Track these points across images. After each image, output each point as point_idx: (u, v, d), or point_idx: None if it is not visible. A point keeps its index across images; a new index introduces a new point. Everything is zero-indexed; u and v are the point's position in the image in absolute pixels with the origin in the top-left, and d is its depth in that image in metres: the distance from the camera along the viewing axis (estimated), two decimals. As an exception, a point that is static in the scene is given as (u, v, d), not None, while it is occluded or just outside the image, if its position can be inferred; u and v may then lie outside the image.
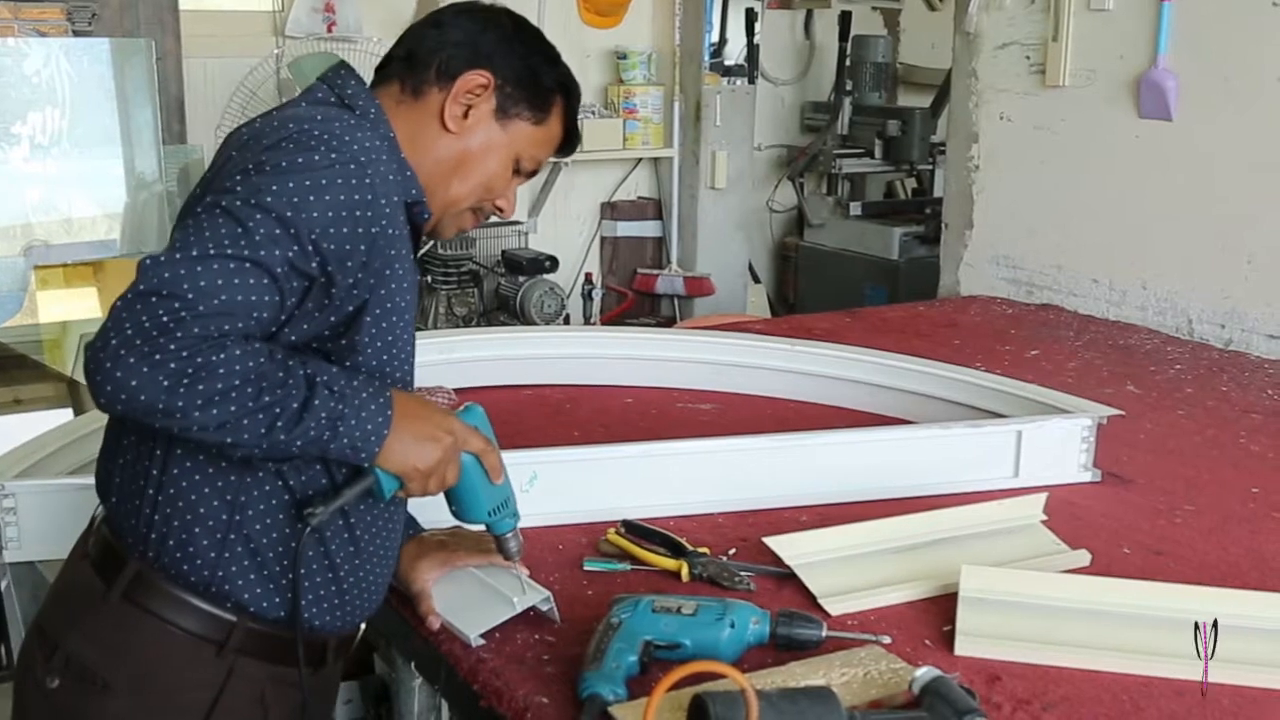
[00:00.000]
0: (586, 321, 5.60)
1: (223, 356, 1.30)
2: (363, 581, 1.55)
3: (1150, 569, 1.85)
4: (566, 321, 5.33)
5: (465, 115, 1.57)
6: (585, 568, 1.80)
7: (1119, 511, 2.09)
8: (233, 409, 1.30)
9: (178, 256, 1.31)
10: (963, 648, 1.57)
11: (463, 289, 5.18)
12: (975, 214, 3.98)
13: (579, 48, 5.71)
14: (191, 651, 1.46)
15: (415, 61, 1.58)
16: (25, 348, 4.21)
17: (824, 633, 1.54)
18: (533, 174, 1.67)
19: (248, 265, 1.33)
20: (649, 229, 6.00)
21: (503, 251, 5.41)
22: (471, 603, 1.62)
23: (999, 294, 3.86)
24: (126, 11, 4.17)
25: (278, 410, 1.33)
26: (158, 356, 1.27)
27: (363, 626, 1.66)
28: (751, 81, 5.89)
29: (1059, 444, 2.20)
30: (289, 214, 1.35)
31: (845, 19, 5.96)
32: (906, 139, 5.64)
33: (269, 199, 1.35)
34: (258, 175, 1.37)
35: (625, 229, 5.96)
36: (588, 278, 5.73)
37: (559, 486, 1.96)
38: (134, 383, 1.27)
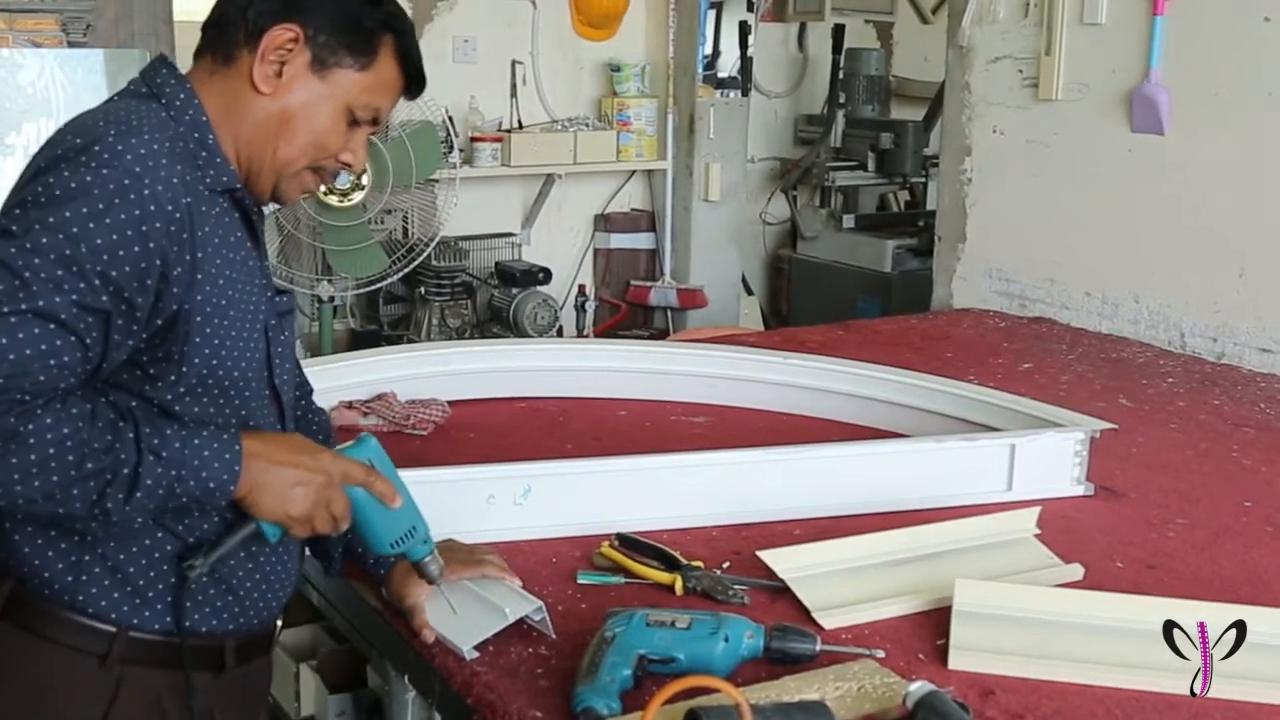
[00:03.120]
0: (579, 333, 5.60)
1: (32, 426, 1.25)
2: (254, 579, 1.53)
3: (1143, 583, 1.85)
4: (560, 333, 5.33)
5: (279, 74, 1.48)
6: (579, 581, 1.80)
7: (1112, 525, 2.09)
8: (55, 479, 1.26)
9: None
10: (956, 662, 1.57)
11: (456, 301, 5.18)
12: (968, 227, 3.98)
13: (573, 60, 5.73)
14: (74, 666, 1.43)
15: (224, 25, 1.50)
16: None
17: (818, 646, 1.54)
18: (375, 123, 1.56)
19: (30, 317, 1.27)
20: (642, 241, 6.01)
21: (496, 263, 5.42)
22: (464, 615, 1.61)
23: (992, 307, 3.86)
24: (121, 23, 4.17)
25: (108, 478, 1.29)
26: None
27: (279, 624, 1.63)
28: (745, 94, 5.90)
29: (1052, 457, 2.20)
30: (68, 251, 1.28)
31: (838, 32, 5.98)
32: (899, 152, 5.65)
33: (44, 239, 1.28)
34: (34, 209, 1.30)
35: (619, 241, 5.97)
36: (581, 290, 5.73)
37: (553, 499, 1.96)
38: None
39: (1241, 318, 3.22)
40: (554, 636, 1.61)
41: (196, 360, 1.41)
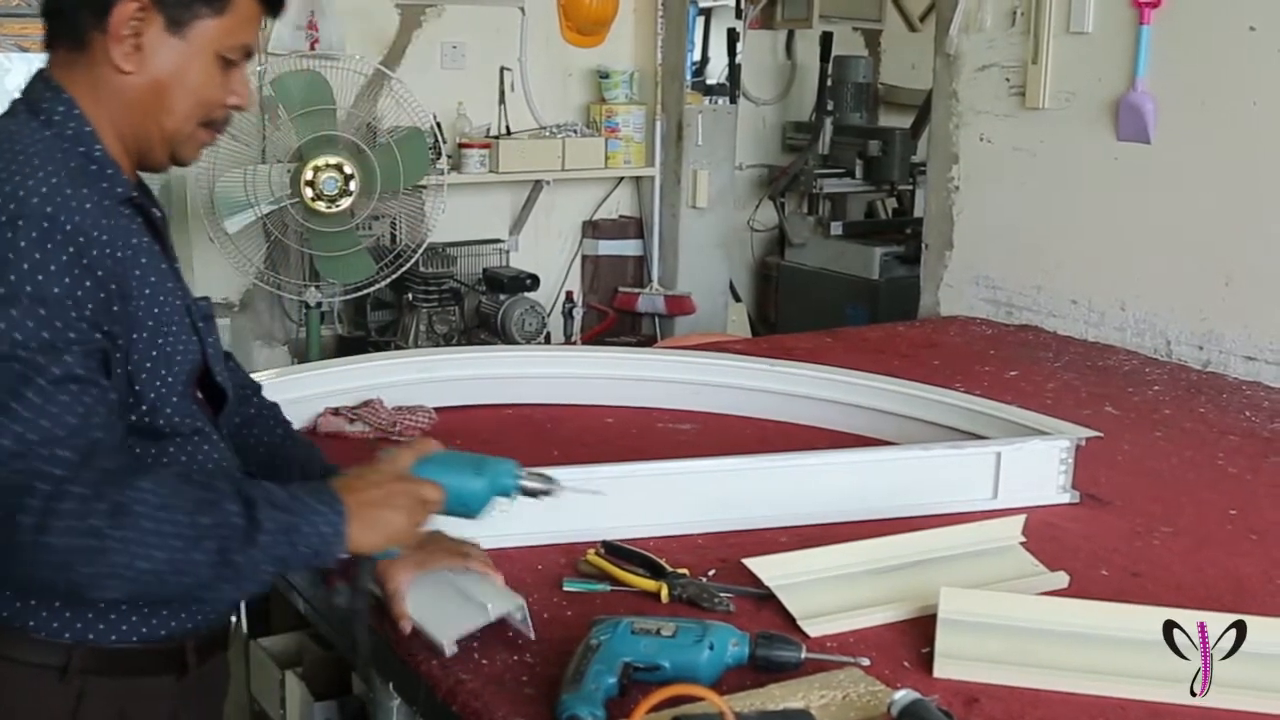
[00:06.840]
0: (567, 340, 5.60)
1: (132, 494, 1.23)
2: None
3: (1128, 591, 1.85)
4: (547, 340, 5.32)
5: (138, 47, 1.42)
6: (565, 588, 1.80)
7: (1097, 533, 2.09)
8: (173, 541, 1.24)
9: None
10: (941, 670, 1.57)
11: (443, 307, 5.17)
12: (955, 234, 3.99)
13: (561, 67, 5.73)
14: (32, 680, 1.41)
15: (64, 11, 1.44)
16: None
17: (803, 654, 1.54)
18: (250, 55, 1.52)
19: (53, 387, 1.26)
20: (630, 248, 6.01)
21: (484, 270, 5.41)
22: (445, 608, 1.59)
23: (978, 314, 3.87)
24: (108, 27, 4.15)
25: (225, 533, 1.27)
26: (60, 524, 1.20)
27: (233, 620, 1.62)
28: (733, 101, 5.91)
29: (1038, 465, 2.20)
30: (42, 311, 1.27)
31: (826, 39, 5.99)
32: (887, 159, 5.66)
33: (13, 311, 1.26)
34: None
35: (606, 248, 5.97)
36: (569, 296, 5.73)
37: (538, 506, 1.94)
38: (59, 559, 1.21)
39: (1227, 325, 3.23)
40: (533, 638, 1.60)
41: (145, 375, 1.40)
